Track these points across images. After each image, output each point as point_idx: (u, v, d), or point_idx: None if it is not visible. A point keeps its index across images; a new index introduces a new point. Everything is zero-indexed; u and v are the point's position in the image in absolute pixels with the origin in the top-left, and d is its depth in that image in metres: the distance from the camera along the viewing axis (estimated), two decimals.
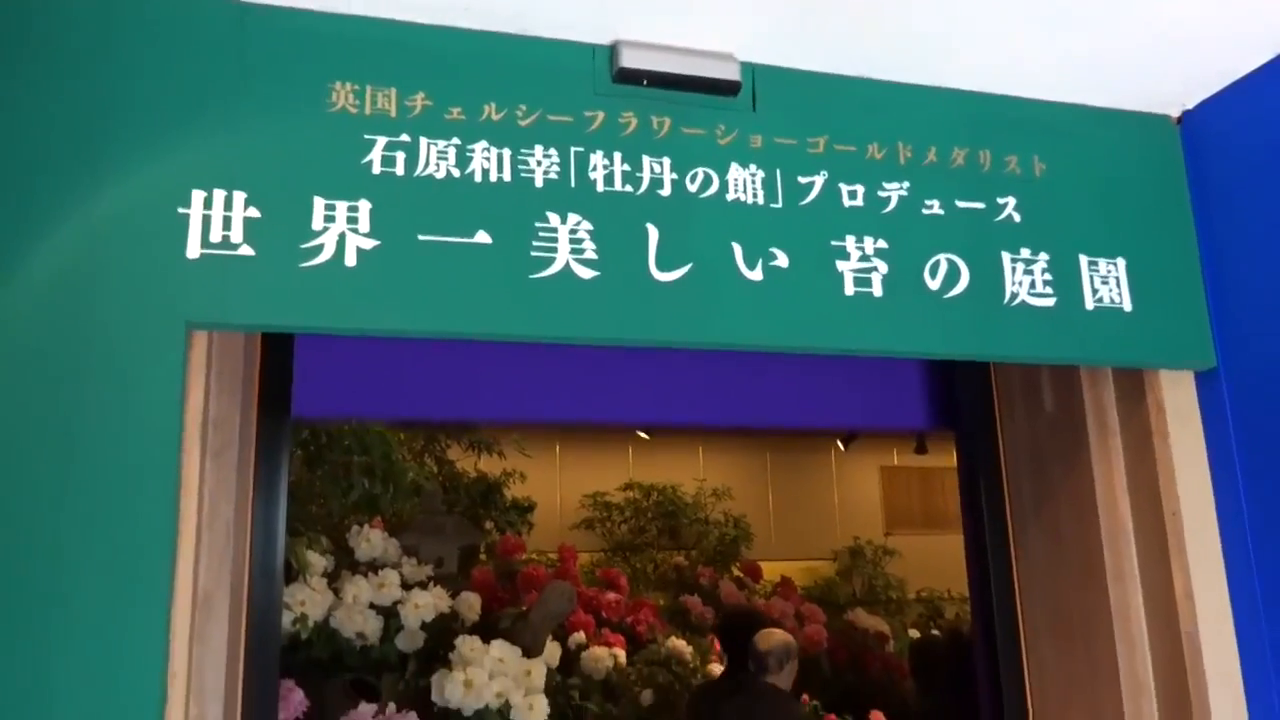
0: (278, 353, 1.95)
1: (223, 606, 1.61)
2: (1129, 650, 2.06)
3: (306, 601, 4.76)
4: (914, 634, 9.15)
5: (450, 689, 4.33)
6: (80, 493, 1.48)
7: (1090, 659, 2.15)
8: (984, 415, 2.48)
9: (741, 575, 8.26)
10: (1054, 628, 2.27)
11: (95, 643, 1.43)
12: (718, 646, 6.68)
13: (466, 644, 4.63)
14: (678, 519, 10.58)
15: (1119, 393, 2.14)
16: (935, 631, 9.90)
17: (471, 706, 4.32)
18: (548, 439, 11.36)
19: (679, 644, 6.04)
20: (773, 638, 4.30)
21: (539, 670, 4.66)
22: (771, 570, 9.35)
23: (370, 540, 5.43)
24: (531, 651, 4.86)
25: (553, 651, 5.34)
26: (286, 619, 4.62)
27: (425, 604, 5.11)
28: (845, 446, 10.66)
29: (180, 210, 1.57)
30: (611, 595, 6.65)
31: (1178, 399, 2.06)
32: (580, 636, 6.10)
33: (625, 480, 10.88)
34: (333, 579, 5.23)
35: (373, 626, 5.00)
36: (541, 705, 4.48)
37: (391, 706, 4.21)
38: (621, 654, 5.98)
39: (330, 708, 4.36)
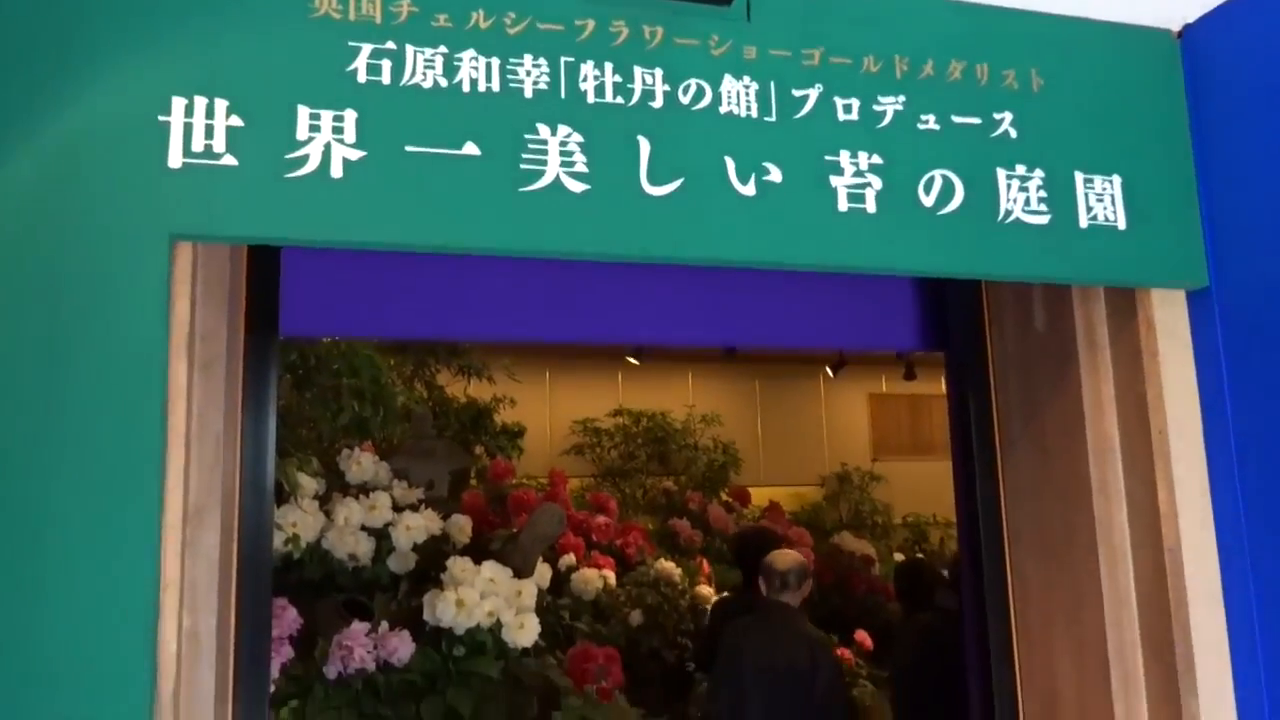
0: (264, 267, 1.92)
1: (214, 519, 1.62)
2: (1112, 566, 2.09)
3: (298, 523, 4.80)
4: (899, 557, 9.30)
5: (442, 608, 4.39)
6: (68, 403, 1.47)
7: (1073, 574, 2.18)
8: (974, 335, 2.47)
9: (730, 500, 8.33)
10: (1038, 544, 2.30)
11: (87, 553, 1.44)
12: (706, 569, 6.78)
13: (458, 564, 4.68)
14: (667, 445, 10.63)
15: (1110, 311, 2.14)
16: (919, 554, 10.06)
17: (463, 625, 4.38)
18: (537, 365, 11.36)
19: (668, 566, 6.12)
20: (788, 558, 4.28)
21: (530, 590, 4.72)
22: (760, 496, 9.45)
23: (361, 463, 5.46)
24: (522, 572, 4.91)
25: (543, 573, 5.41)
26: (278, 539, 4.66)
27: (416, 526, 5.16)
28: (834, 373, 10.69)
29: (161, 118, 1.53)
30: (601, 519, 6.72)
31: (1168, 318, 2.06)
32: (570, 559, 6.17)
33: (615, 406, 10.89)
34: (324, 502, 5.26)
35: (364, 548, 5.05)
36: (532, 624, 4.55)
37: (384, 626, 4.27)
38: (611, 576, 6.06)
39: (323, 627, 4.42)
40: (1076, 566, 2.18)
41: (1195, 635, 1.96)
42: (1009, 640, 2.35)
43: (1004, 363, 2.42)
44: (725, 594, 5.87)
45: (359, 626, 4.11)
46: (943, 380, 10.51)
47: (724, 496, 8.67)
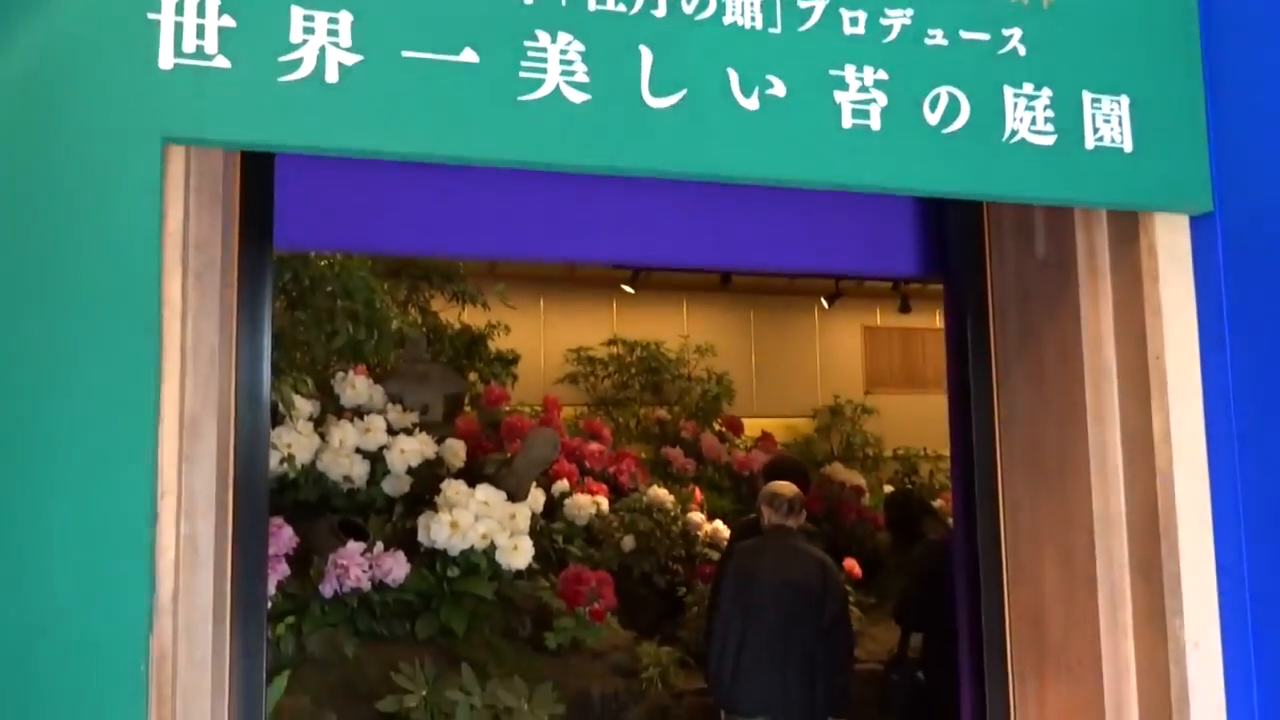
0: (258, 176, 1.89)
1: (210, 430, 1.61)
2: (1103, 489, 2.10)
3: (293, 444, 4.82)
4: (888, 489, 9.40)
5: (436, 530, 4.43)
6: (61, 310, 1.45)
7: (1064, 498, 2.19)
8: (974, 259, 2.45)
9: (723, 430, 8.38)
10: (1031, 468, 2.31)
11: (84, 460, 1.43)
12: (698, 497, 6.84)
13: (452, 487, 4.71)
14: (660, 375, 10.64)
15: (1112, 235, 2.12)
16: (909, 486, 10.17)
17: (457, 547, 4.42)
18: (531, 293, 11.32)
19: (660, 493, 6.17)
20: (791, 487, 4.41)
21: (524, 514, 4.77)
22: (752, 427, 9.51)
23: (355, 386, 5.47)
24: (516, 496, 4.95)
25: (536, 498, 5.45)
26: (273, 460, 4.69)
27: (411, 449, 5.18)
28: (829, 304, 10.67)
29: (150, 15, 1.49)
30: (595, 445, 6.76)
31: (1171, 243, 2.04)
32: (564, 484, 6.22)
33: (609, 335, 10.87)
34: (318, 424, 5.28)
35: (359, 470, 5.08)
36: (526, 547, 4.60)
37: (379, 546, 4.31)
38: (604, 502, 6.12)
39: (319, 547, 4.46)
40: (1068, 490, 2.19)
41: (1183, 557, 1.98)
42: (999, 563, 2.38)
43: (1003, 289, 2.41)
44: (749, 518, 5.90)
45: (354, 546, 4.15)
46: (937, 314, 10.53)
47: (717, 426, 8.71)
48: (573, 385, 10.25)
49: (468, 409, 7.66)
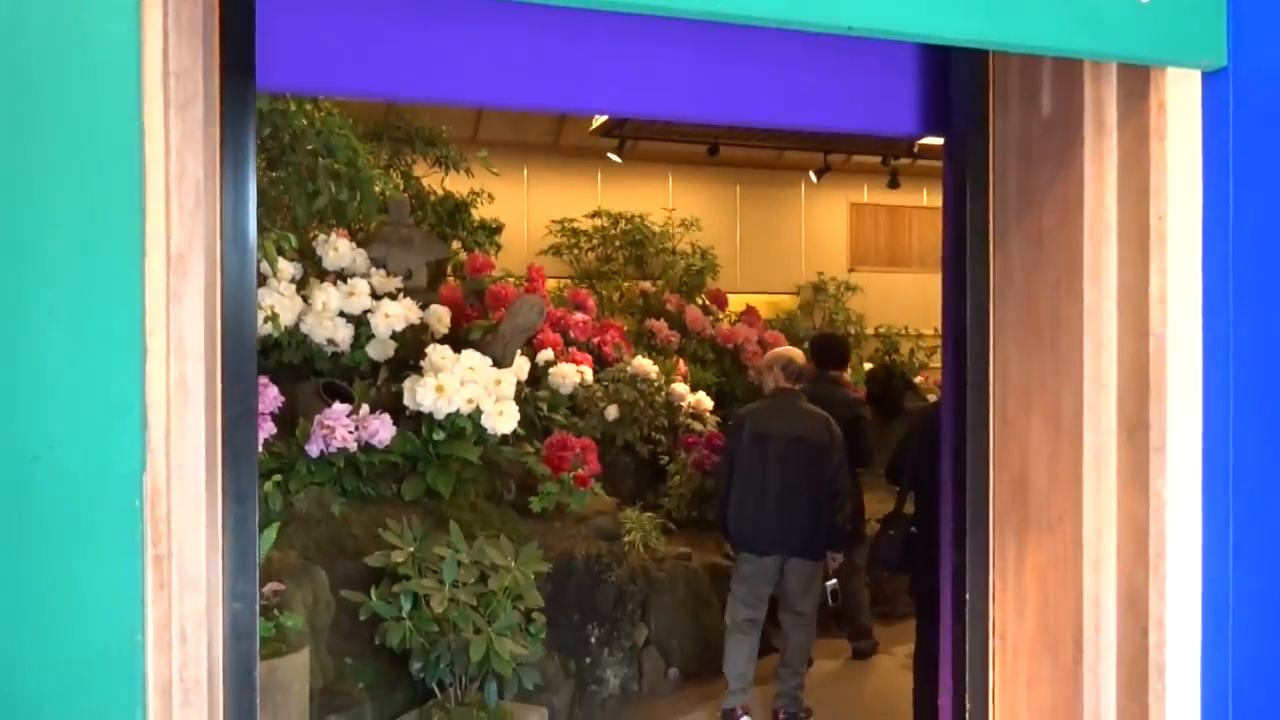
0: (238, 8, 1.80)
1: (198, 268, 1.57)
2: (1096, 350, 2.10)
3: (276, 306, 4.77)
4: (868, 366, 9.48)
5: (422, 393, 4.44)
6: (37, 137, 1.39)
7: (1055, 360, 2.19)
8: (976, 116, 2.39)
9: (708, 303, 8.36)
10: (1023, 330, 2.30)
11: (73, 293, 1.39)
12: (682, 368, 6.87)
13: (438, 352, 4.70)
14: (645, 248, 10.54)
15: (1121, 91, 2.06)
16: (889, 362, 10.24)
17: (443, 410, 4.44)
18: (514, 162, 11.13)
19: (644, 363, 6.18)
20: (798, 353, 4.90)
21: (509, 380, 4.77)
22: (736, 303, 9.50)
23: (338, 249, 5.39)
24: (501, 363, 4.95)
25: (521, 365, 5.46)
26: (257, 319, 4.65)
27: (395, 314, 5.15)
28: (817, 178, 10.55)
29: None
30: (579, 316, 6.75)
31: (1181, 100, 1.99)
32: (548, 354, 6.23)
33: (593, 207, 10.74)
34: (300, 286, 5.22)
35: (343, 334, 5.05)
36: (511, 412, 4.62)
37: (365, 409, 4.32)
38: (588, 371, 6.13)
39: (304, 408, 4.47)
40: (1060, 353, 2.19)
41: (1170, 419, 1.99)
42: (985, 423, 2.39)
43: (1005, 147, 2.36)
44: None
45: (340, 408, 4.16)
46: (924, 192, 10.43)
47: (701, 300, 8.69)
48: (556, 257, 10.15)
49: (450, 278, 7.62)
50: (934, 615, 3.81)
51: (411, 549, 3.62)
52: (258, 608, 1.88)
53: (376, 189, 5.28)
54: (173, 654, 1.50)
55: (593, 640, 4.51)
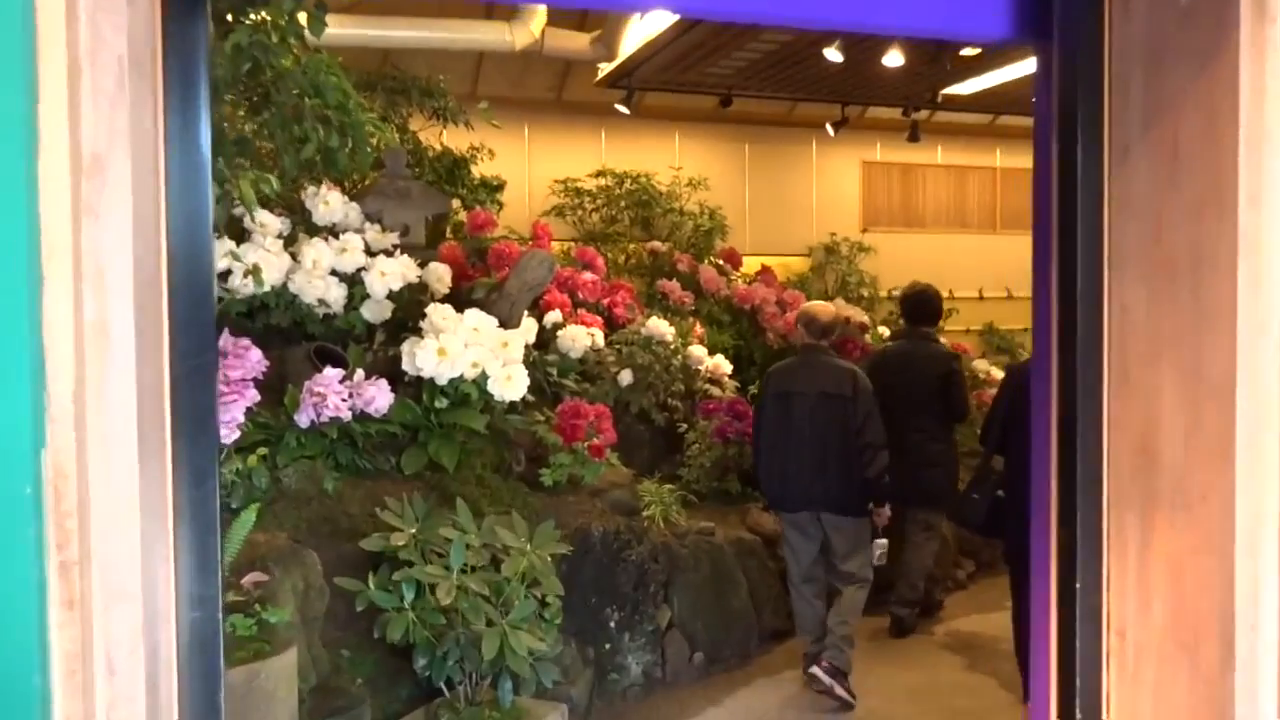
0: None
1: (121, 175, 1.17)
2: (1253, 291, 1.71)
3: (262, 263, 4.36)
4: (884, 331, 9.08)
5: (423, 357, 4.03)
6: None
7: (1196, 303, 1.80)
8: (1088, 16, 1.99)
9: (721, 263, 7.94)
10: (1150, 266, 1.90)
11: None
12: (699, 330, 6.46)
13: (439, 312, 4.29)
14: (651, 209, 10.12)
15: None
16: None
17: (446, 375, 4.04)
18: (515, 120, 10.66)
19: (659, 324, 5.77)
20: (828, 309, 4.77)
21: (517, 342, 4.37)
22: (747, 265, 9.09)
23: (329, 202, 4.96)
24: (508, 324, 4.55)
25: (529, 327, 5.05)
26: (236, 278, 4.24)
27: (392, 272, 4.73)
28: (834, 130, 10.07)
29: None
30: (588, 275, 6.33)
31: None
32: (556, 315, 5.82)
33: (597, 166, 10.31)
34: (289, 243, 4.81)
35: (335, 294, 4.64)
36: (520, 376, 4.22)
37: (359, 374, 3.92)
38: (599, 334, 5.73)
39: (293, 375, 4.07)
40: (1202, 294, 1.79)
41: None
42: (1099, 380, 2.00)
43: (1125, 46, 1.95)
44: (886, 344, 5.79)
45: (332, 373, 3.76)
46: (939, 149, 10.00)
47: (715, 259, 8.27)
48: (559, 218, 9.71)
49: (450, 238, 7.20)
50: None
51: (413, 530, 3.23)
52: (221, 615, 1.48)
53: (371, 137, 4.84)
54: (94, 695, 1.11)
55: (612, 625, 4.15)
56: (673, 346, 5.80)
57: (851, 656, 4.33)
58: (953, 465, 5.21)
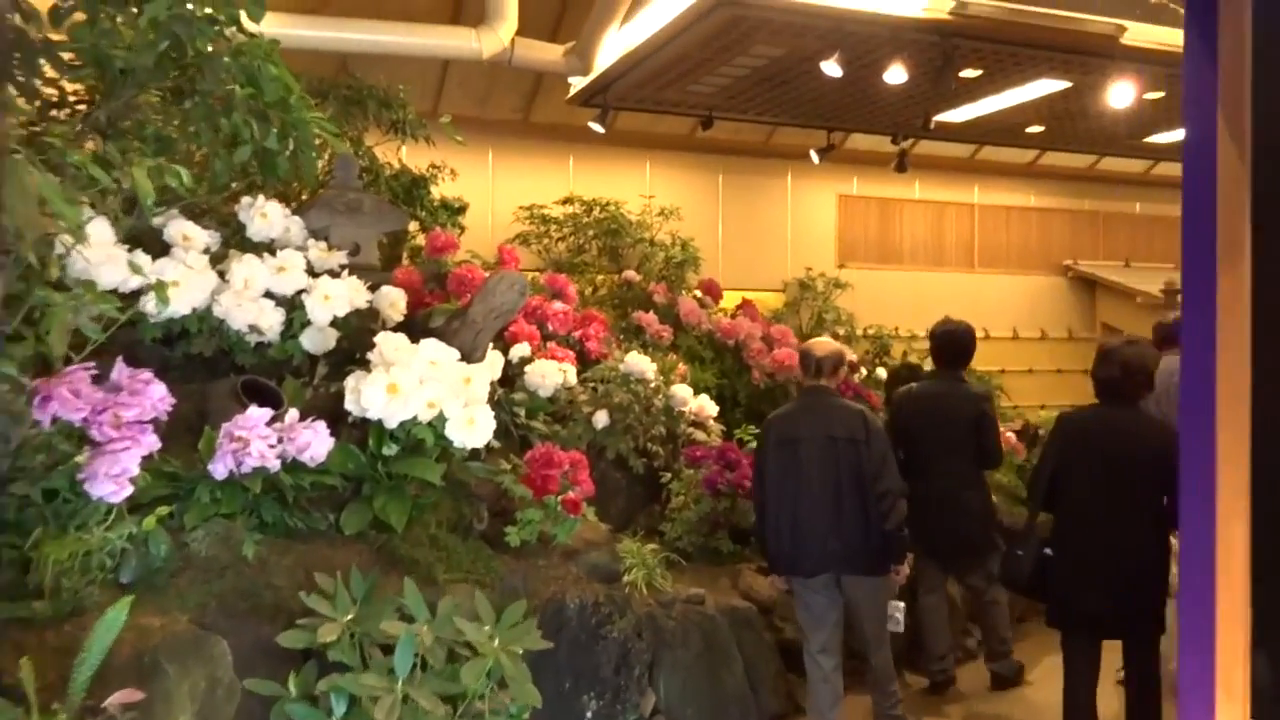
0: None
1: None
2: None
3: (181, 281, 3.71)
4: (881, 371, 8.58)
5: (370, 394, 3.40)
6: None
7: None
8: None
9: (700, 294, 7.37)
10: None
11: None
12: (681, 368, 5.86)
13: (390, 341, 3.66)
14: (620, 238, 9.60)
15: None
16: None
17: (397, 417, 3.40)
18: (480, 142, 10.09)
19: (640, 360, 5.17)
20: (827, 346, 4.33)
21: (482, 377, 3.75)
22: (724, 299, 8.57)
23: (267, 214, 4.32)
24: (471, 356, 3.92)
25: (495, 361, 4.44)
26: (151, 301, 3.58)
27: (337, 295, 4.08)
28: (819, 158, 9.57)
29: None
30: (559, 305, 5.72)
31: None
32: (524, 349, 5.21)
33: (565, 193, 9.78)
34: (217, 260, 4.17)
35: (270, 319, 3.98)
36: (485, 418, 3.59)
37: (292, 414, 3.27)
38: (572, 370, 5.12)
39: (217, 413, 3.42)
40: None
41: None
42: None
43: None
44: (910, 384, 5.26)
45: (258, 412, 3.11)
46: (916, 184, 9.62)
47: (693, 291, 7.71)
48: (523, 246, 9.13)
49: (407, 262, 6.56)
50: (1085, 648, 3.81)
51: (348, 618, 2.57)
52: None
53: (318, 140, 4.21)
54: None
55: (589, 715, 3.50)
56: (654, 385, 5.20)
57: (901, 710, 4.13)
58: (990, 514, 4.88)
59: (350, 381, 3.47)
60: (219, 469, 3.00)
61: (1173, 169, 13.55)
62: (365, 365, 3.62)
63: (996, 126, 8.34)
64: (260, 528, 3.13)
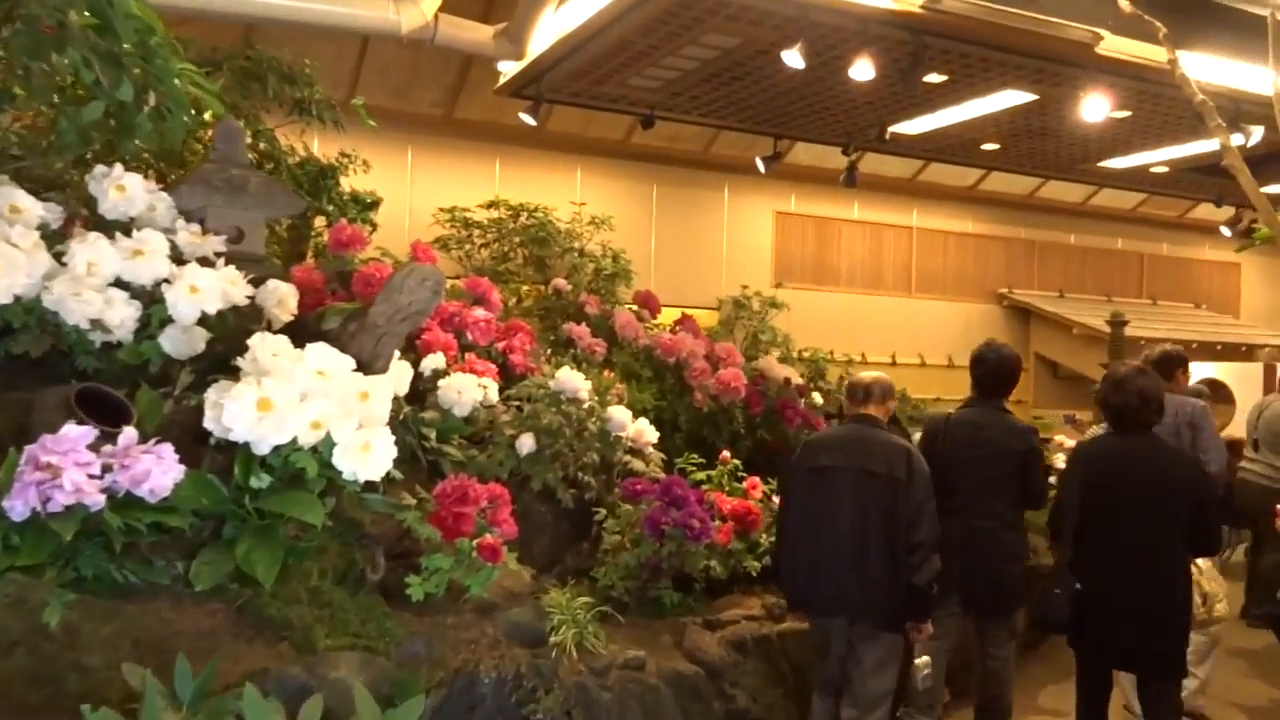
0: None
1: None
2: None
3: (2, 261, 2.94)
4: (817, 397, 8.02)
5: (234, 411, 2.67)
6: None
7: None
8: None
9: (638, 308, 6.73)
10: None
11: None
12: (618, 389, 5.20)
13: (267, 345, 2.93)
14: (548, 247, 8.97)
15: None
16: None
17: (269, 440, 2.67)
18: (398, 138, 9.36)
19: (574, 376, 4.49)
20: (872, 374, 4.06)
21: (382, 392, 3.04)
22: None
23: (125, 187, 3.56)
24: (371, 366, 3.22)
25: (402, 373, 3.73)
26: None
27: (207, 287, 3.34)
28: (765, 167, 9.02)
29: None
30: (480, 312, 5.02)
31: None
32: (438, 360, 4.51)
33: (490, 196, 9.13)
34: (55, 240, 3.39)
35: (119, 314, 3.22)
36: (384, 444, 2.88)
37: (129, 434, 2.53)
38: (493, 386, 4.44)
39: (40, 427, 2.66)
40: None
41: None
42: None
43: None
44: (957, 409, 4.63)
45: (76, 432, 2.37)
46: (855, 204, 9.27)
47: (627, 302, 7.08)
48: (443, 252, 8.42)
49: (310, 260, 5.81)
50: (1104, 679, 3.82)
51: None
52: None
53: (195, 102, 3.46)
54: None
55: None
56: (587, 405, 4.53)
57: None
58: (1025, 560, 4.41)
59: (211, 394, 2.74)
60: (17, 506, 2.24)
61: (1109, 200, 13.54)
62: (237, 374, 2.89)
63: (952, 141, 7.90)
64: (77, 584, 2.37)
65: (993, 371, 4.42)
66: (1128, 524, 3.66)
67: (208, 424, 2.72)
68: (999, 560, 4.19)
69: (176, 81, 3.17)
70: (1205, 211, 13.82)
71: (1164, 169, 9.23)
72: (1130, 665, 3.80)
